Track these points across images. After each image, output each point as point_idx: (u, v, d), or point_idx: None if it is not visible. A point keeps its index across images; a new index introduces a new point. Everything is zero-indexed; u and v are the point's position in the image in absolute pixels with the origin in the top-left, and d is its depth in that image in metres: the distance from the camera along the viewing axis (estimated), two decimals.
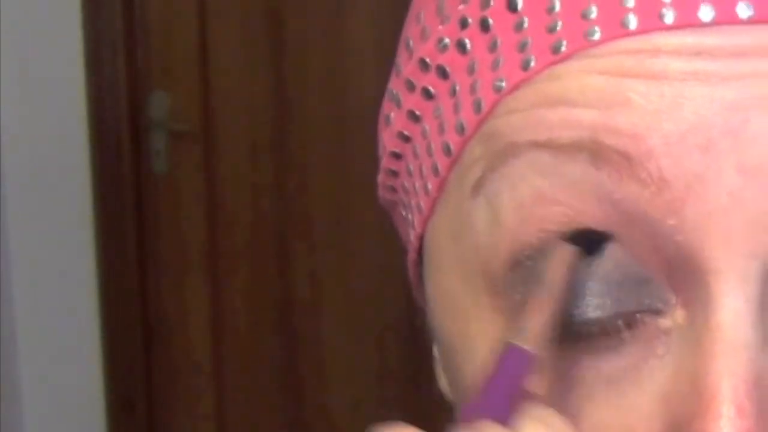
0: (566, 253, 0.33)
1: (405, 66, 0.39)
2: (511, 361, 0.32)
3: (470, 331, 0.36)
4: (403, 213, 0.41)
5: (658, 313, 0.33)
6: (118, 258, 2.09)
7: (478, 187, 0.35)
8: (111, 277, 2.09)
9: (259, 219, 2.10)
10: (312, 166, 2.07)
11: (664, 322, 0.33)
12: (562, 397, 0.34)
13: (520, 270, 0.34)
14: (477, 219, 0.35)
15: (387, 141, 0.40)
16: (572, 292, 0.33)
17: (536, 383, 0.34)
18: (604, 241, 0.33)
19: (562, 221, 0.33)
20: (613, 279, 0.33)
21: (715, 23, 0.32)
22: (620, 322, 0.33)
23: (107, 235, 2.08)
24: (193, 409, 2.16)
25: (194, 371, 2.15)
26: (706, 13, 0.32)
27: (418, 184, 0.39)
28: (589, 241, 0.33)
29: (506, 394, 0.32)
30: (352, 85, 2.02)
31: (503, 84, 0.34)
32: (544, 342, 0.33)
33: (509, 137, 0.34)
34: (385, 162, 0.41)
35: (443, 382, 0.42)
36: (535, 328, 0.33)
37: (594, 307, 0.33)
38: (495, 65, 0.34)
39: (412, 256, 0.41)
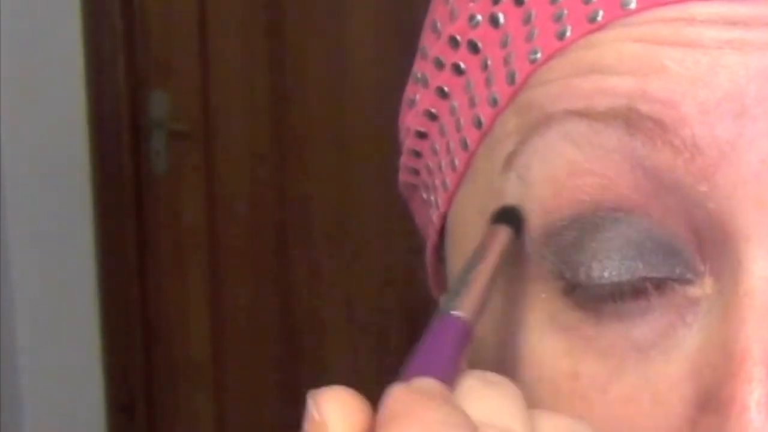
0: (502, 232, 0.34)
1: (432, 47, 0.39)
2: (449, 329, 0.32)
3: (495, 300, 0.36)
4: (425, 196, 0.41)
5: (687, 282, 0.33)
6: (118, 258, 2.09)
7: (509, 161, 0.35)
8: (111, 277, 2.09)
9: (259, 219, 2.10)
10: (312, 166, 2.07)
11: (694, 290, 0.33)
12: (593, 367, 0.34)
13: (554, 240, 0.34)
14: (508, 194, 0.35)
15: (411, 121, 0.40)
16: (598, 250, 0.33)
17: (562, 353, 0.34)
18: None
19: (595, 191, 0.33)
20: (646, 247, 0.33)
21: None
22: (649, 286, 0.33)
23: (107, 235, 2.08)
24: (193, 409, 2.16)
25: (194, 371, 2.15)
26: None
27: (444, 162, 0.38)
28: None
29: (441, 364, 0.30)
30: (352, 85, 2.02)
31: (538, 55, 0.34)
32: (478, 315, 0.33)
33: (544, 108, 0.34)
34: (409, 143, 0.40)
35: None
36: (473, 298, 0.32)
37: (624, 270, 0.33)
38: (529, 37, 0.35)
39: (432, 239, 0.41)
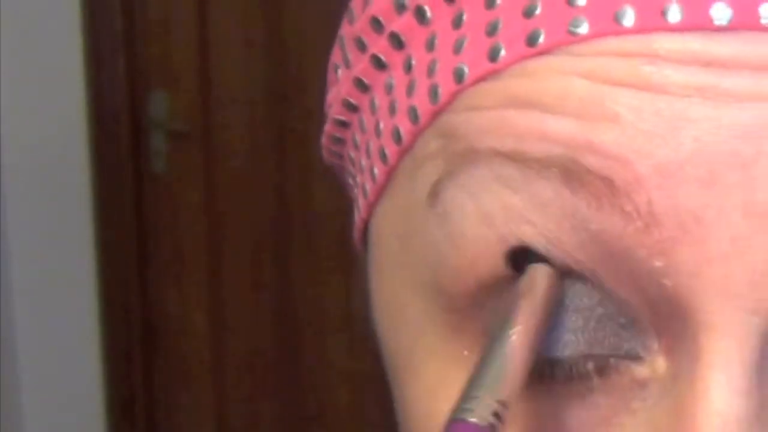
0: (541, 274, 0.28)
1: (358, 17, 0.33)
2: None
3: (417, 349, 0.31)
4: (350, 182, 0.36)
5: (635, 359, 0.28)
6: (118, 258, 2.09)
7: (435, 194, 0.29)
8: (111, 277, 2.09)
9: (259, 219, 2.10)
10: (312, 166, 2.06)
11: (642, 371, 0.28)
12: None
13: (490, 291, 0.29)
14: (433, 232, 0.29)
15: (333, 102, 0.34)
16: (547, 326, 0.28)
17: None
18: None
19: (539, 243, 0.27)
20: (592, 315, 0.28)
21: (730, 27, 0.26)
22: (590, 367, 0.28)
23: (107, 235, 2.08)
24: (193, 409, 2.16)
25: (194, 371, 2.15)
26: (720, 12, 0.26)
27: (365, 163, 0.33)
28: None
29: None
30: None
31: (466, 72, 0.28)
32: (509, 403, 0.26)
33: (469, 141, 0.28)
34: (330, 127, 0.35)
35: None
36: (492, 389, 0.26)
37: (564, 344, 0.28)
38: (458, 47, 0.29)
39: (356, 234, 0.36)
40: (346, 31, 0.33)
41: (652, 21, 0.26)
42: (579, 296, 0.28)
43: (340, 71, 0.34)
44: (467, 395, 0.26)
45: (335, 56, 0.35)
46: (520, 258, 0.28)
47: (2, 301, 1.97)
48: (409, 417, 0.32)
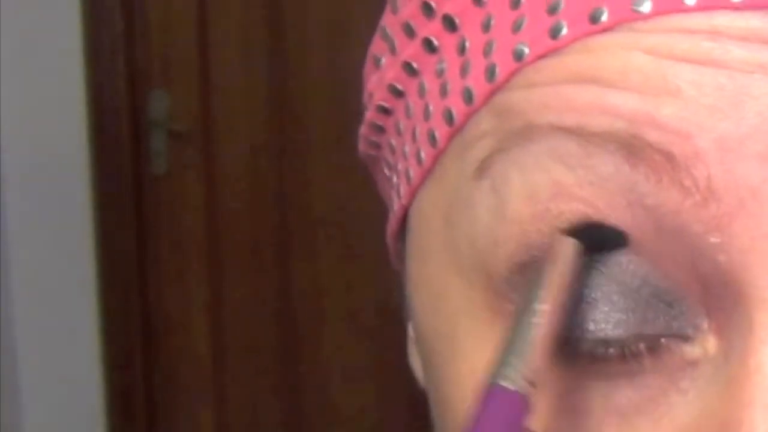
0: (568, 248, 0.28)
1: (404, 4, 0.33)
2: (497, 406, 0.26)
3: (458, 333, 0.31)
4: (387, 173, 0.36)
5: (686, 339, 0.28)
6: (118, 258, 2.09)
7: (483, 168, 0.29)
8: (111, 277, 2.09)
9: (259, 218, 2.10)
10: (312, 166, 2.07)
11: (693, 350, 0.28)
12: (566, 426, 0.29)
13: (528, 272, 0.29)
14: (479, 206, 0.30)
15: (375, 89, 0.34)
16: (584, 301, 0.28)
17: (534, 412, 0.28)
18: (621, 241, 0.28)
19: (581, 221, 0.28)
20: (641, 295, 0.28)
21: None
22: (642, 347, 0.28)
23: (107, 235, 2.08)
24: (193, 407, 2.16)
25: (194, 370, 2.15)
26: None
27: (408, 149, 0.33)
28: (601, 239, 0.28)
29: None
30: (352, 85, 2.01)
31: (525, 51, 0.28)
32: (539, 372, 0.27)
33: (527, 116, 0.28)
34: (371, 115, 0.35)
35: (416, 364, 0.38)
36: (526, 358, 0.27)
37: (615, 324, 0.28)
38: (517, 26, 0.29)
39: (393, 227, 0.36)
40: (389, 20, 0.34)
41: None
42: (629, 276, 0.28)
43: (383, 59, 0.34)
44: (504, 362, 0.27)
45: (376, 47, 0.35)
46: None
47: (2, 301, 1.97)
48: (447, 399, 0.32)
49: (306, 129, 2.06)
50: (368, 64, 0.35)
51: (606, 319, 0.28)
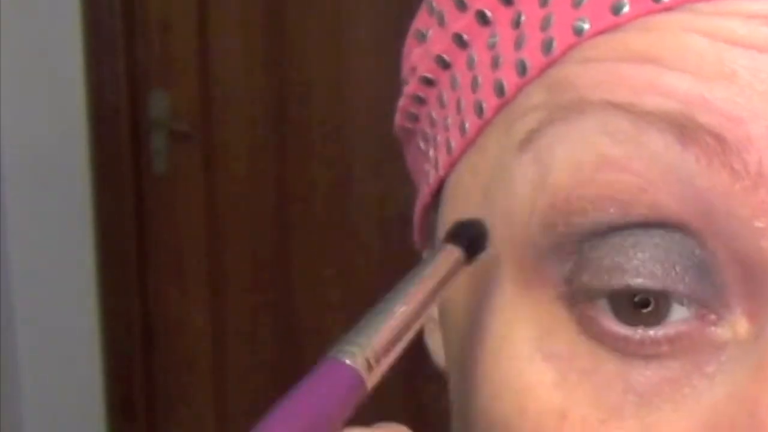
0: (448, 254, 0.28)
1: None
2: (330, 377, 0.25)
3: (484, 306, 0.31)
4: (422, 146, 0.36)
5: (713, 321, 0.28)
6: (118, 258, 2.09)
7: (528, 140, 0.30)
8: (111, 277, 2.09)
9: (260, 219, 2.10)
10: (313, 166, 2.06)
11: (722, 333, 0.28)
12: (582, 405, 0.29)
13: (568, 239, 0.29)
14: (519, 178, 0.30)
15: (419, 62, 0.34)
16: (621, 253, 0.28)
17: (550, 382, 0.29)
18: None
19: (629, 192, 0.28)
20: (682, 258, 0.28)
21: None
22: (661, 334, 0.28)
23: (107, 235, 2.08)
24: (194, 410, 2.16)
25: (194, 372, 2.15)
26: None
27: (451, 120, 0.33)
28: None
29: (313, 418, 0.24)
30: (352, 85, 2.01)
31: (585, 27, 0.29)
32: (386, 363, 0.26)
33: (581, 91, 0.28)
34: (413, 86, 0.35)
35: (434, 344, 0.38)
36: (372, 342, 0.26)
37: (649, 274, 0.28)
38: (577, 2, 0.29)
39: (425, 198, 0.36)
40: None
41: None
42: (665, 243, 0.28)
43: (430, 32, 0.34)
44: (349, 339, 0.26)
45: (420, 22, 0.35)
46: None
47: (2, 301, 1.97)
48: (471, 375, 0.32)
49: (306, 129, 2.06)
50: (410, 40, 0.36)
51: (640, 266, 0.28)
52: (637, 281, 0.28)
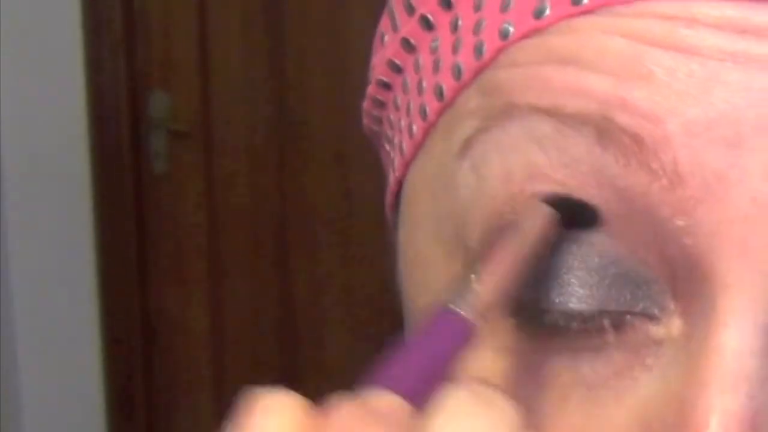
0: (542, 213, 0.28)
1: None
2: (444, 329, 0.27)
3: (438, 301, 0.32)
4: (387, 147, 0.36)
5: (651, 319, 0.29)
6: (118, 258, 2.09)
7: (466, 147, 0.30)
8: (111, 277, 2.09)
9: (259, 219, 2.10)
10: (312, 166, 2.07)
11: (658, 330, 0.28)
12: (530, 396, 0.29)
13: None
14: (460, 184, 0.31)
15: (377, 65, 0.35)
16: (552, 274, 0.29)
17: (499, 373, 0.29)
18: (593, 220, 0.28)
19: (554, 200, 0.29)
20: (608, 273, 0.29)
21: None
22: (606, 323, 0.29)
23: (107, 235, 2.08)
24: (193, 409, 2.16)
25: (194, 372, 2.15)
26: None
27: (404, 123, 0.34)
28: (575, 215, 0.29)
29: (429, 368, 0.25)
30: (352, 85, 2.01)
31: (511, 30, 0.29)
32: (494, 312, 0.27)
33: (509, 96, 0.29)
34: (372, 89, 0.36)
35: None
36: (486, 292, 0.27)
37: (579, 298, 0.29)
38: (505, 6, 0.30)
39: (389, 198, 0.37)
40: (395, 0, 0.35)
41: None
42: (598, 254, 0.29)
43: (386, 37, 0.35)
44: (459, 293, 0.27)
45: (383, 25, 0.36)
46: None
47: (2, 301, 1.97)
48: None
49: (306, 129, 2.06)
50: (376, 41, 0.36)
51: (571, 293, 0.29)
52: (574, 307, 0.29)
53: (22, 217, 2.00)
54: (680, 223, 0.27)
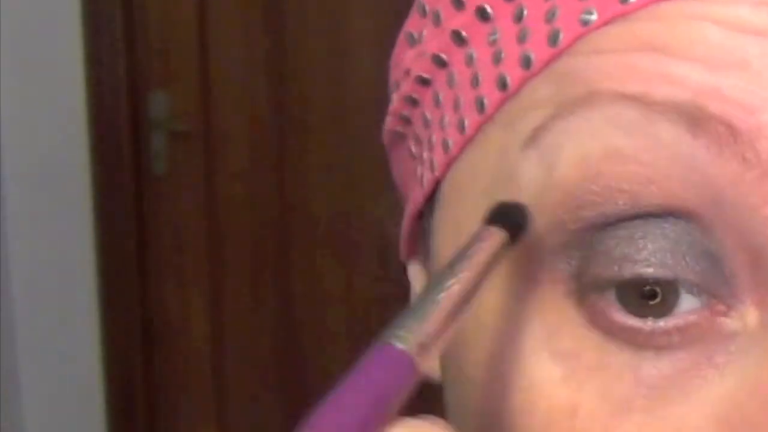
0: (494, 237, 0.27)
1: None
2: (383, 364, 0.24)
3: (484, 304, 0.30)
4: (413, 149, 0.35)
5: (722, 312, 0.28)
6: (118, 258, 2.09)
7: (534, 138, 0.29)
8: (111, 277, 2.09)
9: (259, 219, 2.10)
10: (312, 166, 2.06)
11: (730, 323, 0.28)
12: (591, 400, 0.28)
13: (577, 233, 0.28)
14: (523, 176, 0.29)
15: (412, 63, 0.34)
16: (621, 243, 0.28)
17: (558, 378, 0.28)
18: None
19: (638, 182, 0.27)
20: (691, 248, 0.28)
21: None
22: (671, 324, 0.28)
23: (107, 235, 2.08)
24: (194, 410, 2.16)
25: (194, 372, 2.15)
26: None
27: (449, 118, 0.32)
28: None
29: (368, 406, 0.23)
30: (352, 85, 2.01)
31: (593, 17, 0.28)
32: (436, 346, 0.25)
33: (589, 83, 0.28)
34: (406, 87, 0.34)
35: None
36: (423, 325, 0.25)
37: (659, 264, 0.28)
38: None
39: (416, 202, 0.35)
40: None
41: None
42: (674, 233, 0.28)
43: (424, 32, 0.33)
44: (400, 324, 0.25)
45: (412, 24, 0.34)
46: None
47: (2, 301, 1.97)
48: (470, 375, 0.31)
49: (306, 129, 2.06)
50: (401, 44, 0.35)
51: (650, 256, 0.28)
52: (648, 271, 0.28)
53: (22, 217, 2.00)
54: None
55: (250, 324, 2.13)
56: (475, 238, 0.28)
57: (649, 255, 0.28)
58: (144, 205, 2.10)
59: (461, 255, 0.27)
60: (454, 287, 0.26)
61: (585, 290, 0.29)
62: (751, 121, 0.26)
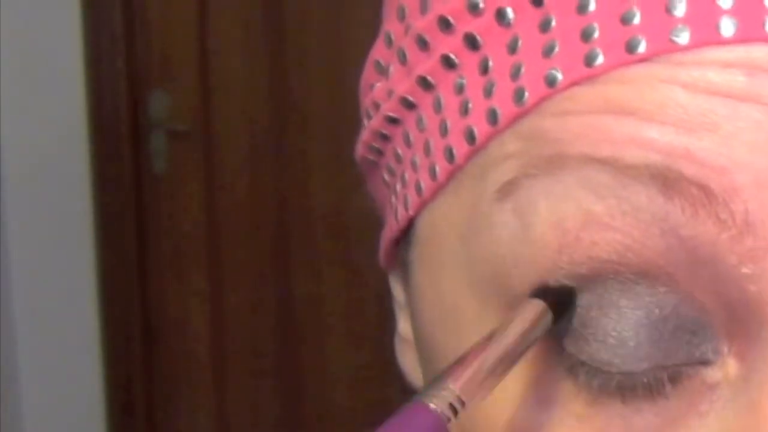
0: (534, 308, 0.28)
1: (415, 17, 0.32)
2: (415, 423, 0.25)
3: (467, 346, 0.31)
4: (388, 179, 0.35)
5: (706, 363, 0.28)
6: (118, 258, 2.09)
7: (506, 191, 0.29)
8: (111, 277, 2.09)
9: (259, 219, 2.10)
10: (312, 166, 2.07)
11: (713, 374, 0.28)
12: None
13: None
14: (500, 227, 0.29)
15: (382, 99, 0.34)
16: (611, 336, 0.28)
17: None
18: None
19: (615, 251, 0.27)
20: (667, 328, 0.28)
21: None
22: (665, 376, 0.28)
23: (107, 235, 2.08)
24: (194, 410, 2.16)
25: (194, 372, 2.15)
26: None
27: (420, 161, 0.32)
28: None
29: None
30: (352, 85, 2.01)
31: (558, 78, 0.28)
32: (466, 409, 0.26)
33: (559, 145, 0.28)
34: (377, 122, 0.34)
35: (407, 365, 0.39)
36: (466, 387, 0.26)
37: (639, 358, 0.28)
38: (548, 51, 0.28)
39: (393, 232, 0.35)
40: (394, 27, 0.33)
41: (753, 32, 0.26)
42: (657, 307, 0.28)
43: (391, 68, 0.33)
44: (436, 384, 0.26)
45: (379, 52, 0.34)
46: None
47: (2, 301, 1.97)
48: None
49: (306, 129, 2.06)
50: (369, 68, 0.35)
51: (632, 353, 0.28)
52: (628, 368, 0.28)
53: (22, 217, 2.00)
54: (746, 270, 0.27)
55: (249, 323, 2.13)
56: (520, 307, 0.28)
57: (632, 351, 0.28)
58: (144, 204, 2.10)
59: (503, 322, 0.28)
60: (492, 351, 0.27)
61: (571, 363, 0.29)
62: (724, 181, 0.26)
